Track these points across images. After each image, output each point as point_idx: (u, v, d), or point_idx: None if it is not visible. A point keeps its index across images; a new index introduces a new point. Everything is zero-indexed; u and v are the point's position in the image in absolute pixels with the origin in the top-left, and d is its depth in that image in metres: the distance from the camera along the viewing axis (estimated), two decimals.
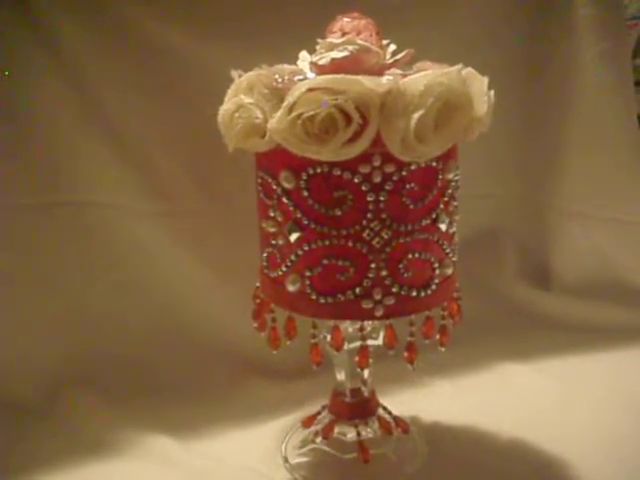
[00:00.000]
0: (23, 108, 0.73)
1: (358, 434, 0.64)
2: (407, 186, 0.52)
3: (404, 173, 0.51)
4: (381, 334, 0.60)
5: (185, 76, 0.77)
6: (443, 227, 0.55)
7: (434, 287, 0.56)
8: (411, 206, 0.53)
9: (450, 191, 0.55)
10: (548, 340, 0.88)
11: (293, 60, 0.58)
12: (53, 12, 0.72)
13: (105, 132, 0.77)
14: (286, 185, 0.53)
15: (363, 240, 0.52)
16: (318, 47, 0.54)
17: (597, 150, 0.91)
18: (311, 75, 0.55)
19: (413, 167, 0.52)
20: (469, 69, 0.53)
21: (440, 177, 0.54)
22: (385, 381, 0.68)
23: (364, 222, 0.52)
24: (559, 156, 0.93)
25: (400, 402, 0.72)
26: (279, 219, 0.55)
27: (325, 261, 0.53)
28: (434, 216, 0.54)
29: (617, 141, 0.90)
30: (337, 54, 0.51)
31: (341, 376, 0.65)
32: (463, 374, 0.81)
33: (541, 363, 0.84)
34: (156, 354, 0.82)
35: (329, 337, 0.59)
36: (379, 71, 0.53)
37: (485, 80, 0.53)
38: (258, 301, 0.62)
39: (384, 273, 0.53)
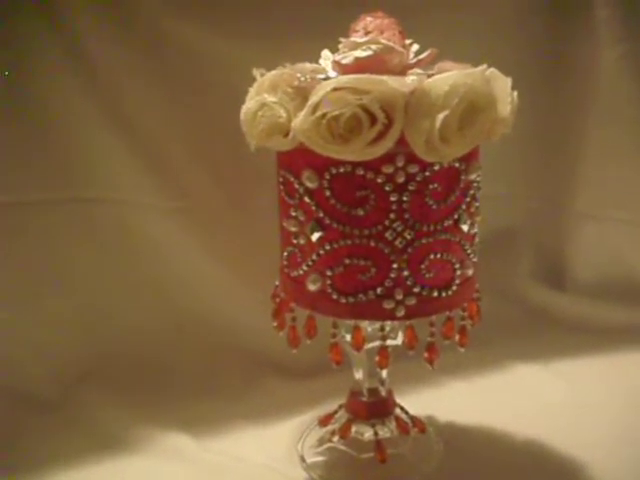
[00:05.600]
0: (38, 104, 0.73)
1: (375, 434, 0.64)
2: (430, 186, 0.52)
3: (427, 173, 0.51)
4: (400, 334, 0.60)
5: (205, 74, 0.77)
6: (465, 228, 0.55)
7: (455, 288, 0.56)
8: (434, 207, 0.53)
9: (472, 192, 0.55)
10: (563, 341, 0.88)
11: (313, 59, 0.58)
12: (70, 7, 0.72)
13: (122, 128, 0.77)
14: (309, 184, 0.53)
15: (385, 240, 0.52)
16: (341, 46, 0.54)
17: (614, 152, 0.90)
18: (333, 74, 0.55)
19: (436, 168, 0.52)
20: (492, 70, 0.53)
21: (463, 178, 0.54)
22: (402, 381, 0.68)
23: (387, 222, 0.52)
24: (576, 158, 0.92)
25: (416, 402, 0.71)
26: (301, 218, 0.55)
27: (347, 261, 0.53)
28: (456, 217, 0.54)
29: (634, 143, 0.90)
30: (361, 53, 0.51)
31: (359, 375, 0.65)
32: (478, 374, 0.81)
33: (556, 364, 0.83)
34: (171, 351, 0.82)
35: (348, 337, 0.59)
36: (402, 71, 0.53)
37: (508, 81, 0.53)
38: (278, 300, 0.62)
39: (406, 273, 0.53)
